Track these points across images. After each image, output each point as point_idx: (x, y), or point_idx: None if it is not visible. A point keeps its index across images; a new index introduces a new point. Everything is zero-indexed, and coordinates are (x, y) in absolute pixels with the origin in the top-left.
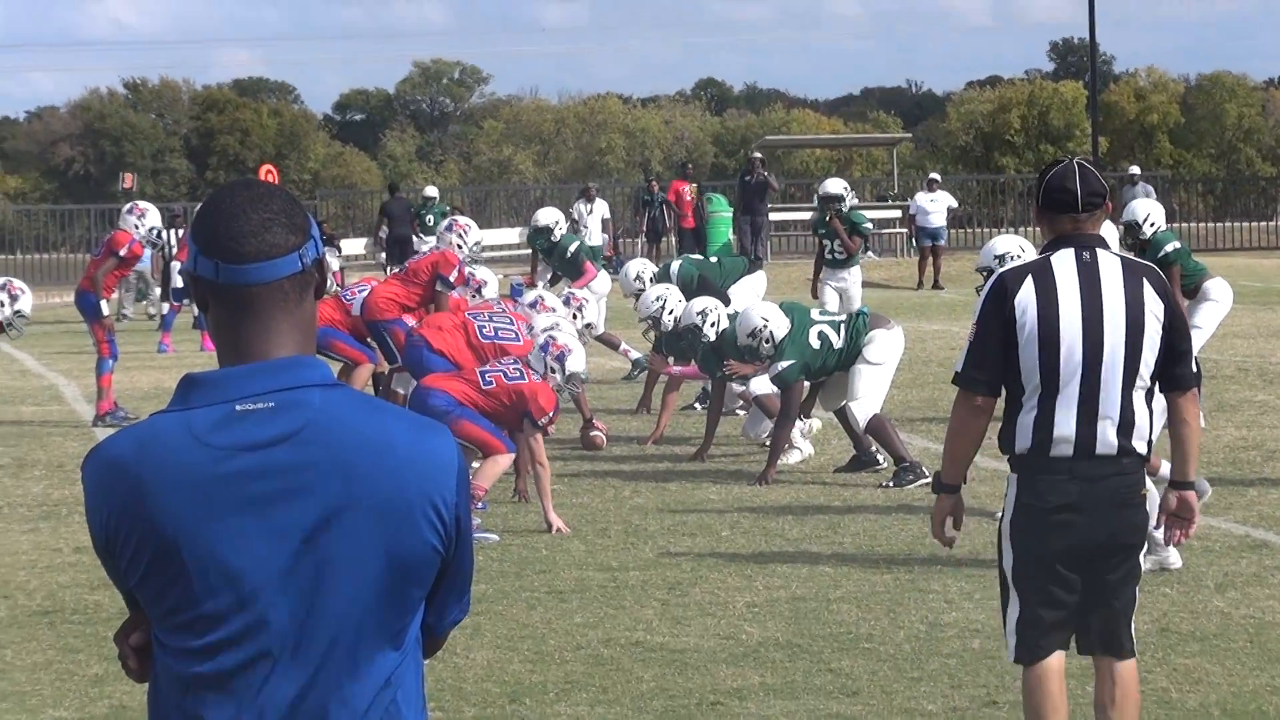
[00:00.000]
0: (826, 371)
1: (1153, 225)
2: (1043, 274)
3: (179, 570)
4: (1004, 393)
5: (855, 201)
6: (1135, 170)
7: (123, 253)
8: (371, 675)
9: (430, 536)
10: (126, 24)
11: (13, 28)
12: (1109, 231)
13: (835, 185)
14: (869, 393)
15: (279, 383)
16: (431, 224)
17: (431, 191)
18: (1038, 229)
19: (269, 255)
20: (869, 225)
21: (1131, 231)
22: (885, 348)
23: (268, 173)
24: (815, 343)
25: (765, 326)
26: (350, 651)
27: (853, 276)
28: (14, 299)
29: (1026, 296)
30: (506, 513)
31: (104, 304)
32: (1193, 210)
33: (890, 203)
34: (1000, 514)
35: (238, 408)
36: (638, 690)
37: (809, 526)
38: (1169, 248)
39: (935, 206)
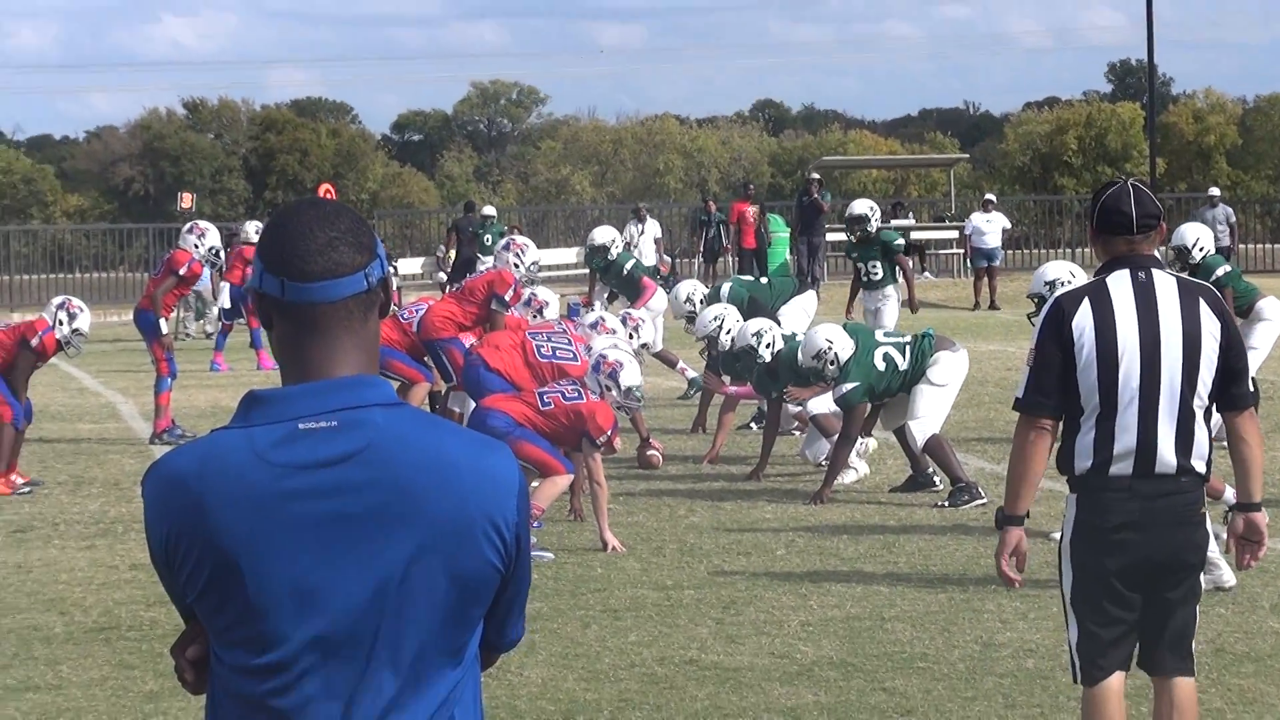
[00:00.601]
0: (890, 393)
1: (1202, 250)
2: (1099, 296)
3: (238, 586)
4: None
5: (879, 222)
6: (1215, 191)
7: (182, 271)
8: (431, 691)
9: (490, 555)
10: (184, 45)
11: (72, 49)
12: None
13: (860, 206)
14: (929, 413)
15: (342, 401)
16: (489, 244)
17: (489, 211)
18: (1091, 250)
19: (335, 274)
20: (900, 243)
21: (1181, 256)
22: (949, 369)
23: (326, 191)
24: (880, 364)
25: (830, 349)
26: (410, 668)
27: (887, 298)
28: (72, 317)
29: (1084, 319)
30: (562, 531)
31: (163, 322)
32: (1250, 231)
33: (947, 223)
34: (1060, 534)
35: (300, 426)
36: (692, 709)
37: (864, 546)
38: (1219, 271)
39: (990, 227)
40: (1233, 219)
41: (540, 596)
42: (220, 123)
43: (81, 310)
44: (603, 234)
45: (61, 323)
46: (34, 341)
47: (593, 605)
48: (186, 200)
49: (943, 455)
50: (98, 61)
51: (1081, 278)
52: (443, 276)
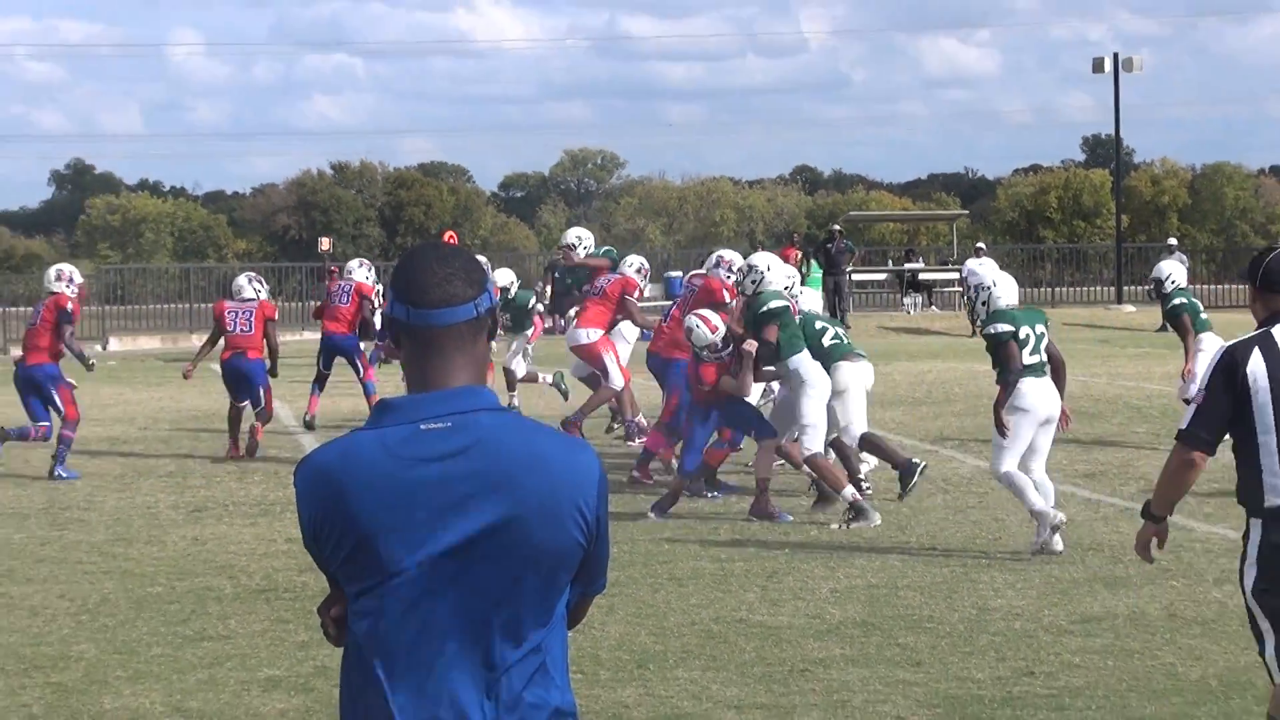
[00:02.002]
0: (800, 344)
1: (1173, 283)
2: (1267, 344)
3: (373, 558)
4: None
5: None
6: (1173, 241)
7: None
8: (525, 644)
9: (575, 533)
10: (330, 118)
11: (240, 121)
12: None
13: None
14: (816, 421)
15: (455, 407)
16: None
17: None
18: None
19: (449, 303)
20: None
21: (1157, 286)
22: (844, 375)
23: (450, 237)
24: (811, 324)
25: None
26: (508, 624)
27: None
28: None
29: (1257, 366)
30: (636, 514)
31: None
32: (1198, 275)
33: (949, 266)
34: (1242, 557)
35: (422, 427)
36: (741, 659)
37: (881, 527)
38: (1176, 301)
39: (982, 269)
40: (1186, 264)
41: (618, 567)
42: (361, 181)
43: (263, 283)
44: (503, 276)
45: (369, 274)
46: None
47: (661, 574)
48: (325, 244)
49: (828, 468)
50: (260, 130)
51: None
52: (541, 307)
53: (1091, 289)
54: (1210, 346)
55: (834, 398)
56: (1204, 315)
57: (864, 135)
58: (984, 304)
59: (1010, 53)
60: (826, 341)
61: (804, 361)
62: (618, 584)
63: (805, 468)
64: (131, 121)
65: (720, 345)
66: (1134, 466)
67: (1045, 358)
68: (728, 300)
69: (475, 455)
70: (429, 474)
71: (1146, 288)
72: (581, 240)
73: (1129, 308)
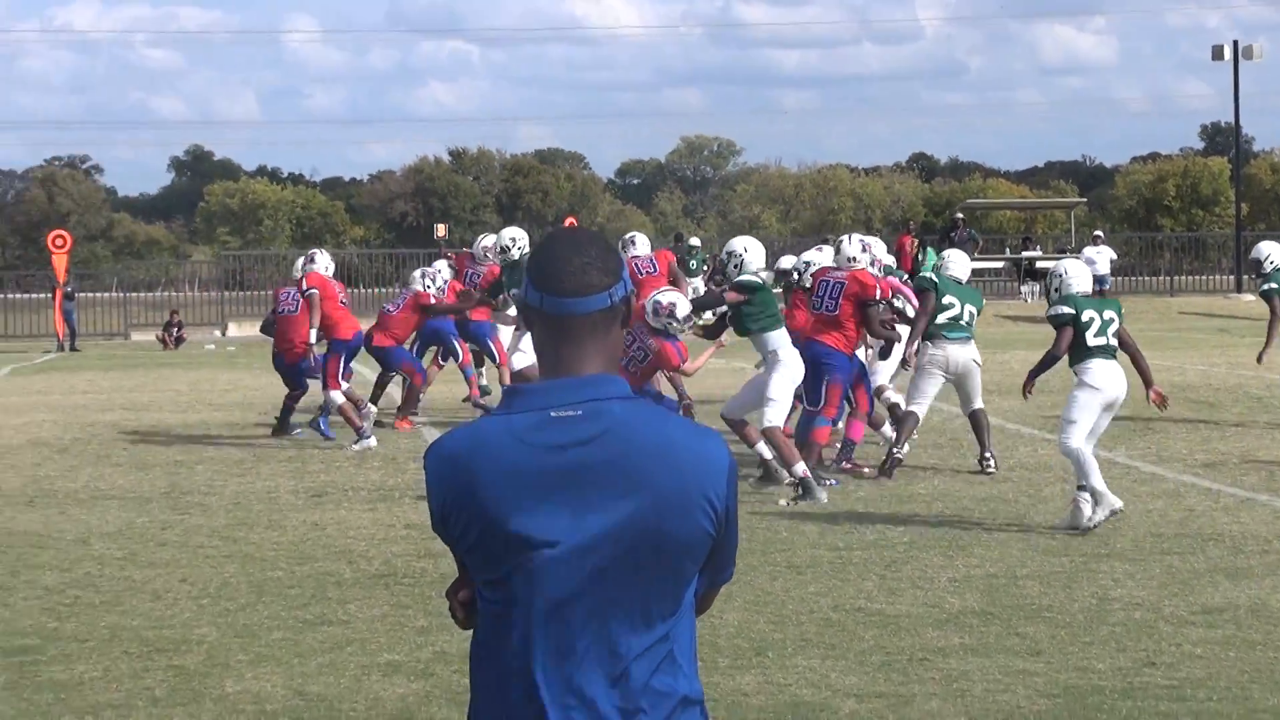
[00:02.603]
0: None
1: (1271, 263)
2: None
3: (500, 544)
4: None
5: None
6: None
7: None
8: (653, 631)
9: (704, 522)
10: (446, 105)
11: (356, 108)
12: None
13: (786, 261)
14: (780, 397)
15: (587, 395)
16: (694, 268)
17: (695, 241)
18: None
19: (584, 292)
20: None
21: (1256, 267)
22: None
23: (570, 223)
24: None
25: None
26: (635, 612)
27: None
28: (438, 274)
29: None
30: (756, 501)
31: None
32: None
33: (1067, 254)
34: None
35: (552, 414)
36: (860, 648)
37: (1001, 517)
38: (1272, 283)
39: (1100, 257)
40: None
41: (736, 555)
42: (478, 167)
43: (440, 270)
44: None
45: (430, 284)
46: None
47: (779, 562)
48: (441, 230)
49: (785, 444)
50: (378, 117)
51: None
52: None
53: (1210, 278)
54: None
55: (956, 376)
56: None
57: (981, 122)
58: (1056, 289)
59: (1127, 40)
60: (942, 318)
61: (781, 340)
62: (736, 571)
63: (761, 443)
64: (249, 108)
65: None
66: (1255, 456)
67: (1114, 342)
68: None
69: (605, 443)
70: (558, 461)
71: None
72: (515, 242)
73: (1248, 296)
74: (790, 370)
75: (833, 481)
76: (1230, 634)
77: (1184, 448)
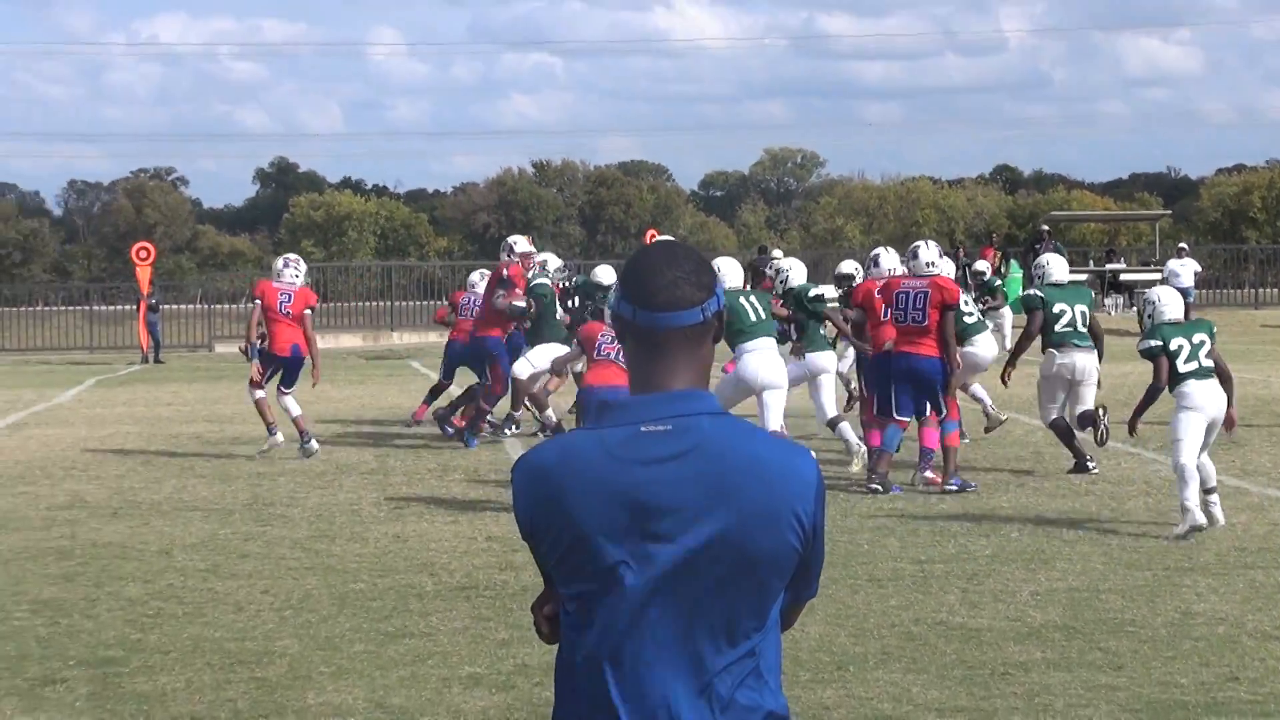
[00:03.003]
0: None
1: None
2: None
3: (588, 558)
4: None
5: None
6: None
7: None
8: (739, 647)
9: (792, 539)
10: (529, 116)
11: (439, 120)
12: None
13: (847, 265)
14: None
15: (677, 410)
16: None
17: (777, 254)
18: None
19: (676, 307)
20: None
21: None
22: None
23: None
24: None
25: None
26: (722, 627)
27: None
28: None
29: None
30: (834, 515)
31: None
32: None
33: (1151, 266)
34: None
35: (642, 429)
36: (941, 661)
37: (1082, 531)
38: None
39: (1185, 270)
40: None
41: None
42: (561, 179)
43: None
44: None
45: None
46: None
47: (860, 575)
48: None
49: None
50: (461, 130)
51: None
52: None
53: None
54: None
55: (1078, 382)
56: None
57: (1064, 134)
58: (1149, 316)
59: (1212, 51)
60: (1060, 326)
61: (746, 350)
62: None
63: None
64: (333, 120)
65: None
66: None
67: (1208, 363)
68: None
69: (695, 459)
70: (648, 476)
71: None
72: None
73: None
74: (736, 377)
75: (971, 485)
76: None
77: (1269, 462)
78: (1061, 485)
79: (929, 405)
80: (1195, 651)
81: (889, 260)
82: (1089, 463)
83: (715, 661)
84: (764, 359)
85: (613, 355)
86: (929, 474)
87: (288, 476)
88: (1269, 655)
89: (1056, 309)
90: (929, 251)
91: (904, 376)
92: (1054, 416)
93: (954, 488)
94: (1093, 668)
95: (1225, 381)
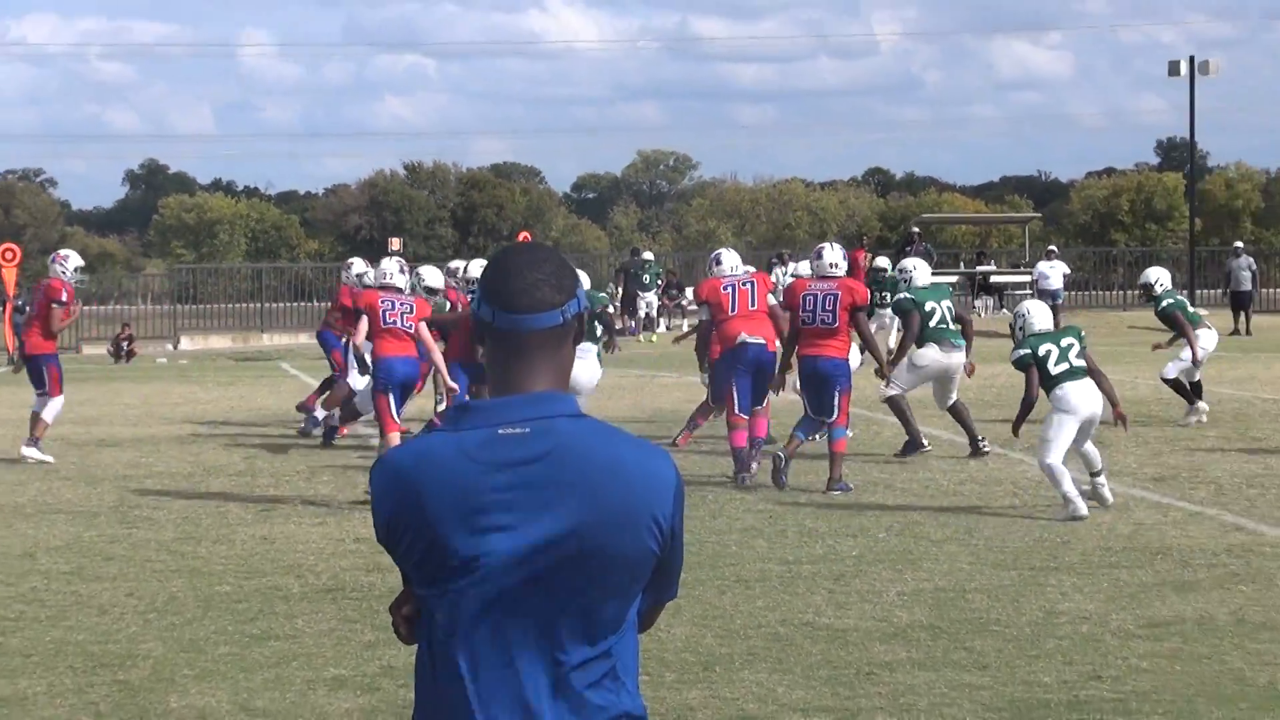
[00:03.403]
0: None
1: (1161, 285)
2: None
3: (446, 559)
4: None
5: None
6: (1239, 244)
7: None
8: (595, 648)
9: (650, 542)
10: (403, 118)
11: (311, 121)
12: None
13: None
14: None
15: (535, 413)
16: (648, 282)
17: (649, 255)
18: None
19: (536, 310)
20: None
21: (1146, 290)
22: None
23: (523, 238)
24: None
25: None
26: (578, 629)
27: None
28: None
29: None
30: (703, 516)
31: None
32: (1271, 278)
33: (1021, 269)
34: None
35: (500, 431)
36: (807, 662)
37: (949, 530)
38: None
39: (1054, 272)
40: (1253, 266)
41: (685, 568)
42: (433, 181)
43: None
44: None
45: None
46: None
47: (727, 576)
48: (395, 244)
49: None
50: (332, 131)
51: None
52: (613, 308)
53: None
54: (1209, 342)
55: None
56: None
57: (936, 137)
58: (1020, 329)
59: (1082, 55)
60: (934, 323)
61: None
62: (684, 585)
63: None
64: (203, 121)
65: None
66: (1204, 471)
67: (1080, 363)
68: None
69: (552, 462)
70: (505, 479)
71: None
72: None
73: (1202, 311)
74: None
75: (850, 487)
76: (1177, 647)
77: (1134, 461)
78: (930, 486)
79: (762, 396)
80: (1059, 650)
81: (730, 259)
82: (924, 443)
83: (572, 662)
84: (580, 364)
85: (396, 323)
86: (755, 464)
87: (154, 479)
88: (1131, 654)
89: (928, 308)
90: (833, 253)
91: (809, 378)
92: (896, 394)
93: (840, 491)
94: (957, 667)
95: (1100, 381)
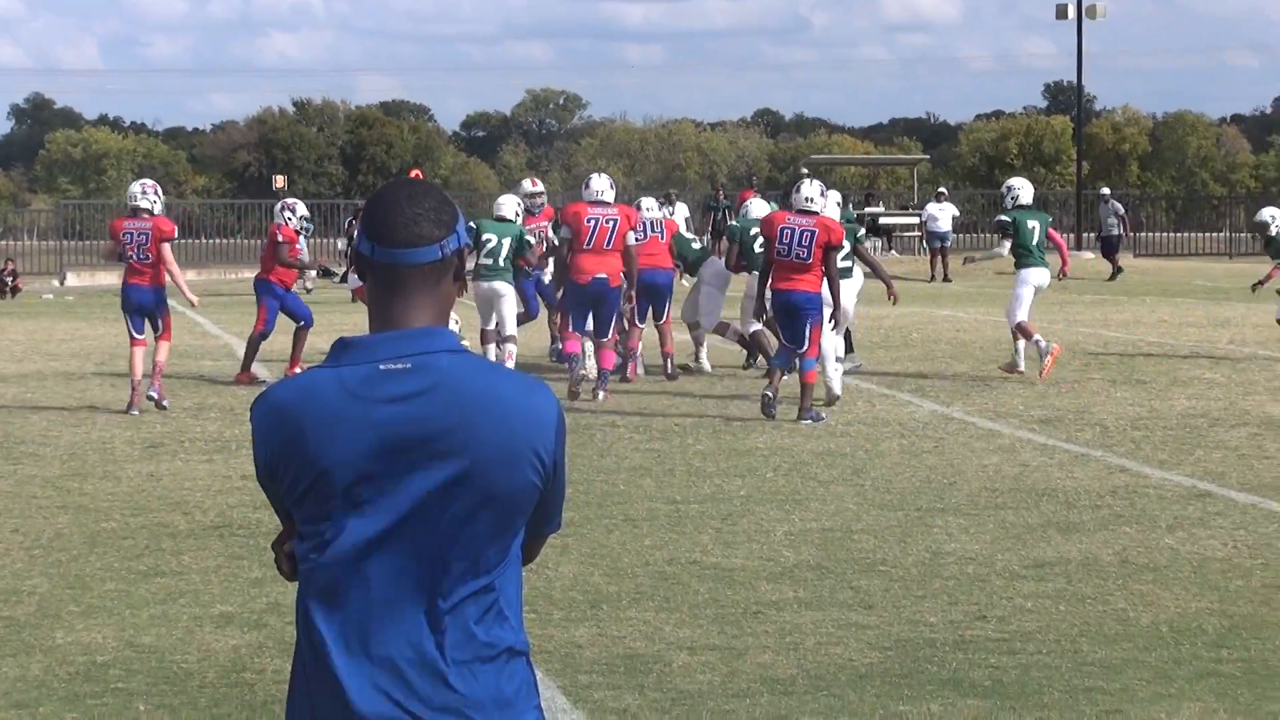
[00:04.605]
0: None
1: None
2: None
3: (328, 495)
4: None
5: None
6: (1106, 190)
7: (280, 239)
8: (478, 582)
9: (532, 476)
10: (289, 55)
11: (199, 57)
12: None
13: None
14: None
15: (416, 348)
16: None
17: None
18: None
19: (415, 244)
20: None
21: (1260, 229)
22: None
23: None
24: None
25: None
26: (461, 564)
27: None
28: (294, 211)
29: None
30: (591, 456)
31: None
32: (1156, 223)
33: (909, 211)
34: None
35: (381, 367)
36: (694, 600)
37: (836, 471)
38: None
39: (943, 215)
40: (1121, 211)
41: (572, 507)
42: (322, 119)
43: (298, 203)
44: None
45: (289, 219)
46: (280, 238)
47: (615, 515)
48: (280, 181)
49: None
50: (219, 67)
51: None
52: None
53: None
54: None
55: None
56: None
57: (825, 79)
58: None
59: None
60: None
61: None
62: (572, 524)
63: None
64: (90, 56)
65: None
66: (1090, 413)
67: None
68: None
69: (433, 397)
70: (387, 414)
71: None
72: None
73: (1088, 254)
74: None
75: (822, 417)
76: (1061, 588)
77: (1020, 404)
78: (817, 427)
79: (607, 328)
80: (945, 590)
81: (599, 183)
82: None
83: (454, 598)
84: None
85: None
86: (602, 394)
87: (40, 415)
88: (1016, 594)
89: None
90: (810, 188)
91: (781, 309)
92: (756, 328)
93: (810, 421)
94: (844, 606)
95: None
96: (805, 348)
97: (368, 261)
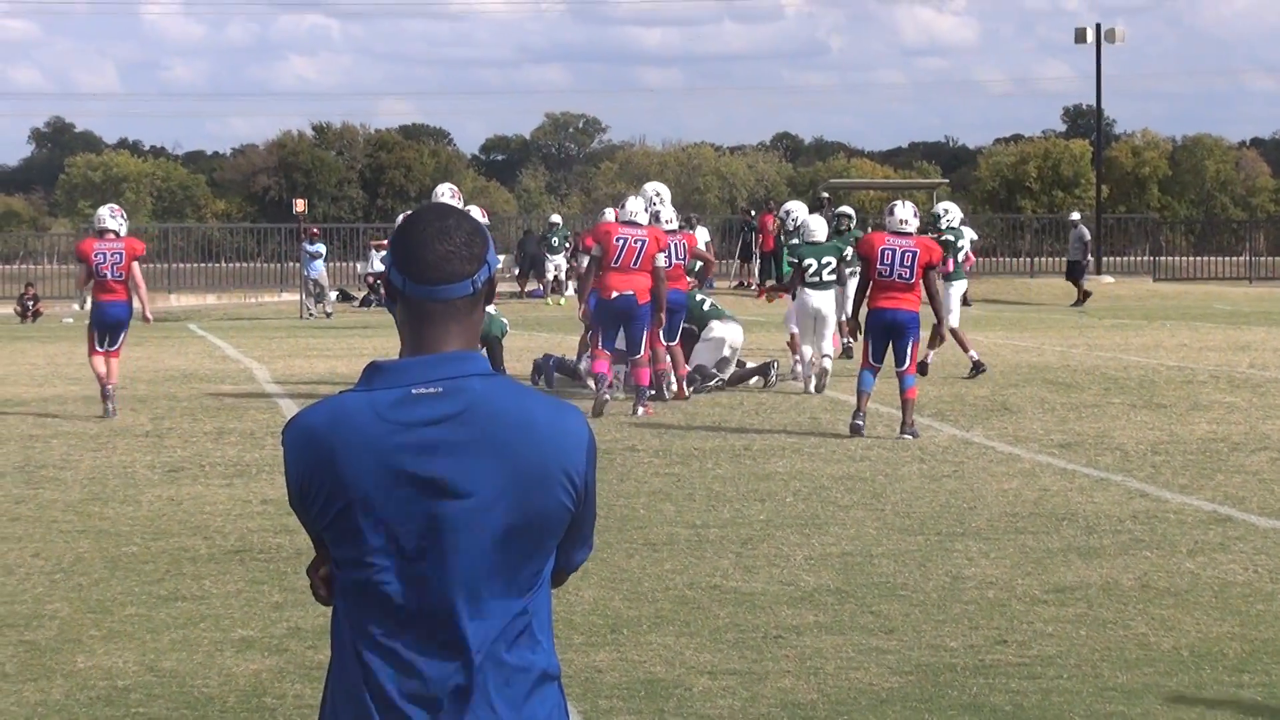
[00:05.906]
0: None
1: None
2: None
3: (360, 520)
4: None
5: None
6: (1076, 215)
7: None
8: (511, 607)
9: (564, 498)
10: (308, 79)
11: (217, 81)
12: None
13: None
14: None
15: (447, 372)
16: (556, 245)
17: (556, 218)
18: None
19: (447, 281)
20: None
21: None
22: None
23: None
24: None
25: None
26: (494, 588)
27: None
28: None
29: None
30: (612, 480)
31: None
32: (1176, 246)
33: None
34: None
35: (413, 391)
36: (715, 625)
37: (856, 495)
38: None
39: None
40: (1086, 238)
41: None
42: (341, 142)
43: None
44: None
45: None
46: None
47: (635, 539)
48: (300, 205)
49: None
50: (238, 91)
51: None
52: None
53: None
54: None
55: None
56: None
57: (844, 103)
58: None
59: (987, 21)
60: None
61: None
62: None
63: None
64: (109, 80)
65: None
66: (1110, 437)
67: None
68: None
69: (466, 421)
70: (419, 439)
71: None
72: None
73: (1108, 279)
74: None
75: (918, 433)
76: (1082, 612)
77: (1040, 428)
78: (837, 450)
79: (638, 346)
80: (965, 615)
81: (634, 205)
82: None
83: (488, 620)
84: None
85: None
86: (641, 410)
87: (61, 439)
88: (1036, 619)
89: (806, 262)
90: (904, 210)
91: (884, 329)
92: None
93: (910, 437)
94: (864, 631)
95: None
96: (906, 365)
97: (399, 292)
